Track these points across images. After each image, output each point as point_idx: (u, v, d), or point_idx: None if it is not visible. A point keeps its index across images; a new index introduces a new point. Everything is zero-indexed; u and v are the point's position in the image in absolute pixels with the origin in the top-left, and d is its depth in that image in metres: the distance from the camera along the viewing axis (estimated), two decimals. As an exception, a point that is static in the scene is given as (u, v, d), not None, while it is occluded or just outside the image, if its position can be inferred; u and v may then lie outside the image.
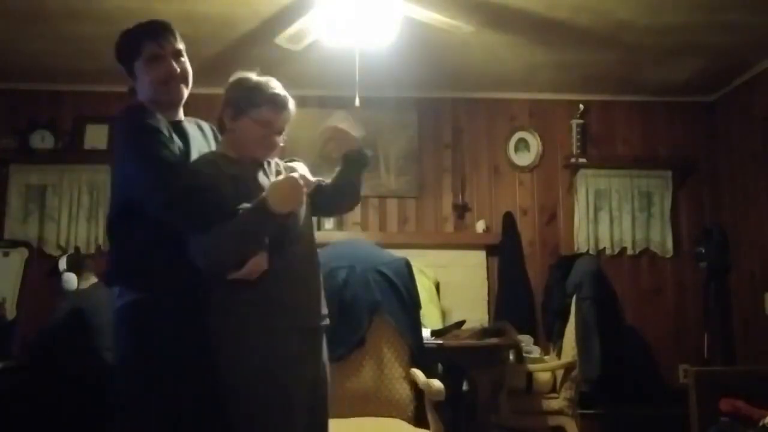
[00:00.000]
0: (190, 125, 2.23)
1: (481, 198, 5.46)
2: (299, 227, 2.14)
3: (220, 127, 2.16)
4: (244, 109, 2.07)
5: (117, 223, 2.10)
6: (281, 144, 2.13)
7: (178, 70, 2.14)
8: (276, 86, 2.12)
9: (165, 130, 2.05)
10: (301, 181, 1.99)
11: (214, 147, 2.24)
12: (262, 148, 2.11)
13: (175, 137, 2.10)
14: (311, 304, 2.15)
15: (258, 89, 2.09)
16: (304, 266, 2.14)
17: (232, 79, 2.15)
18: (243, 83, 2.12)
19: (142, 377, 2.01)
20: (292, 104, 2.13)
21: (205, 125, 2.32)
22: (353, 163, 2.32)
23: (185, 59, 2.19)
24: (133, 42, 2.15)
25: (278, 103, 2.09)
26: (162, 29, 2.17)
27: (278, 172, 2.21)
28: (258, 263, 1.96)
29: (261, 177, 2.12)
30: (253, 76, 2.13)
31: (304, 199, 2.05)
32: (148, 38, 2.14)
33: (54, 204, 5.10)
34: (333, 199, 2.34)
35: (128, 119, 2.07)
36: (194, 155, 2.12)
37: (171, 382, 1.97)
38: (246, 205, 1.96)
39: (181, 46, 2.19)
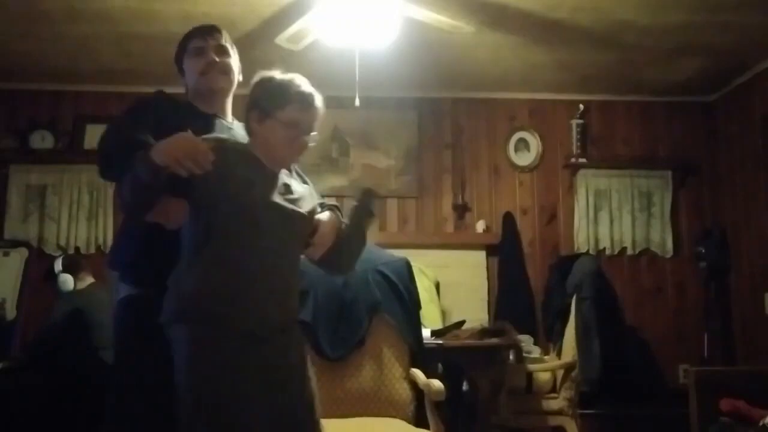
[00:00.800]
0: (235, 126, 2.24)
1: (481, 198, 5.46)
2: (269, 214, 1.98)
3: (247, 130, 2.08)
4: (270, 111, 1.99)
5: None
6: (312, 144, 2.05)
7: (218, 60, 2.22)
8: (301, 83, 2.04)
9: (156, 110, 2.09)
10: (201, 147, 1.84)
11: None
12: (291, 150, 2.03)
13: (189, 124, 2.04)
14: (267, 308, 1.95)
15: (282, 88, 2.01)
16: (271, 264, 1.97)
17: (255, 79, 2.07)
18: (266, 83, 2.04)
19: (136, 373, 2.01)
20: (319, 101, 2.05)
21: None
22: (362, 207, 2.18)
23: (229, 57, 2.27)
24: (183, 41, 2.29)
25: (305, 101, 2.01)
26: (208, 28, 2.29)
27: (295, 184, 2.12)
28: (171, 206, 1.90)
29: (276, 190, 2.01)
30: (277, 75, 2.05)
31: (197, 163, 1.84)
32: (195, 35, 2.27)
33: (54, 204, 5.10)
34: (338, 253, 2.21)
35: (137, 99, 2.20)
36: None
37: (162, 380, 1.95)
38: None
39: (227, 43, 2.28)
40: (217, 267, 1.90)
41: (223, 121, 2.23)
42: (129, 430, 2.04)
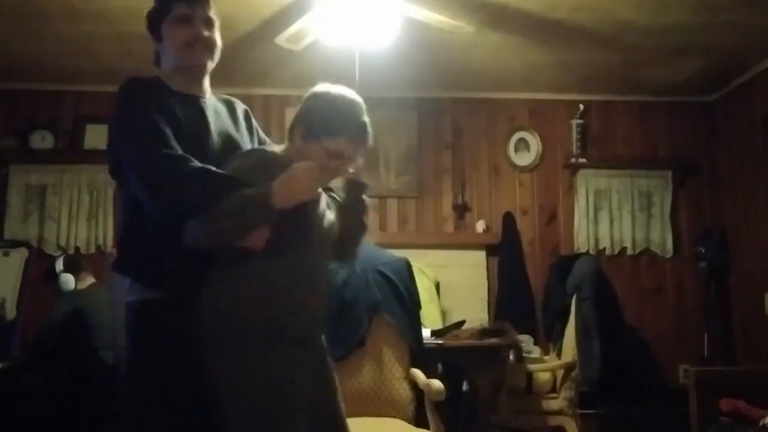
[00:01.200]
0: (213, 101, 2.14)
1: (481, 198, 5.46)
2: (318, 227, 1.98)
3: (289, 139, 1.99)
4: (318, 134, 1.90)
5: (133, 210, 2.01)
6: (351, 171, 2.00)
7: (206, 34, 2.05)
8: (358, 113, 1.95)
9: (159, 105, 1.94)
10: (315, 172, 1.85)
11: (241, 130, 2.13)
12: (327, 176, 1.96)
13: (181, 111, 1.98)
14: (305, 320, 1.95)
15: (338, 114, 1.92)
16: (310, 277, 1.95)
17: (313, 91, 1.98)
18: (322, 101, 1.95)
19: (151, 377, 1.95)
20: (370, 134, 1.96)
21: (239, 107, 2.21)
22: (353, 203, 2.10)
23: (216, 30, 2.10)
24: (165, 2, 2.08)
25: (357, 135, 1.93)
26: None
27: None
28: (260, 236, 1.84)
29: (314, 205, 1.97)
30: (334, 93, 1.96)
31: (317, 192, 1.91)
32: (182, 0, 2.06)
33: (54, 204, 5.10)
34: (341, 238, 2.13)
35: (124, 89, 1.98)
36: (213, 135, 2.03)
37: (177, 384, 1.91)
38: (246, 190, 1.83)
39: (213, 16, 2.09)
40: (260, 281, 1.86)
41: (206, 101, 2.10)
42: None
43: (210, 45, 2.07)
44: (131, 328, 1.99)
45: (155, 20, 2.08)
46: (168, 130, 1.89)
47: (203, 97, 2.10)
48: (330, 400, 2.02)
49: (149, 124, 1.88)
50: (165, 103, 1.97)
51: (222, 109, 2.15)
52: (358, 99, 1.99)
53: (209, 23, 2.08)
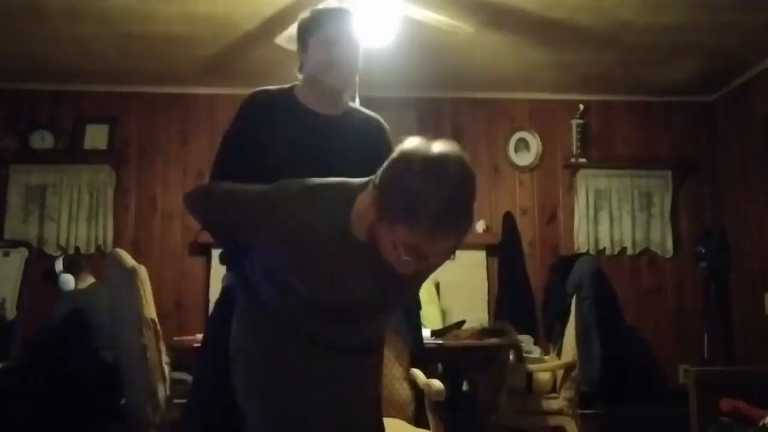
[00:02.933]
0: (347, 119, 2.20)
1: (481, 198, 5.46)
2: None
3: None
4: (392, 220, 1.46)
5: None
6: (423, 270, 1.62)
7: (345, 57, 2.16)
8: (447, 198, 1.44)
9: (262, 121, 2.09)
10: None
11: (357, 148, 2.13)
12: (396, 266, 1.54)
13: (294, 126, 2.09)
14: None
15: (418, 199, 1.43)
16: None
17: (402, 152, 1.59)
18: (402, 179, 1.50)
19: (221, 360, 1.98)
20: (460, 227, 1.47)
21: (369, 126, 2.25)
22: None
23: (358, 52, 2.21)
24: (319, 17, 2.19)
25: (437, 228, 1.43)
26: (347, 19, 2.20)
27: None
28: None
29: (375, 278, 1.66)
30: (420, 169, 1.51)
31: None
32: (332, 22, 2.17)
33: (54, 204, 5.10)
34: None
35: (241, 105, 2.15)
36: (328, 151, 2.08)
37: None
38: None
39: (357, 42, 2.21)
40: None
41: (332, 119, 2.18)
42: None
43: (349, 68, 2.18)
44: (215, 308, 2.14)
45: (305, 32, 2.19)
46: (236, 157, 2.07)
47: (332, 115, 2.17)
48: (338, 404, 1.84)
49: (225, 147, 2.12)
50: (279, 117, 2.10)
51: (352, 127, 2.20)
52: (460, 167, 1.55)
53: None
